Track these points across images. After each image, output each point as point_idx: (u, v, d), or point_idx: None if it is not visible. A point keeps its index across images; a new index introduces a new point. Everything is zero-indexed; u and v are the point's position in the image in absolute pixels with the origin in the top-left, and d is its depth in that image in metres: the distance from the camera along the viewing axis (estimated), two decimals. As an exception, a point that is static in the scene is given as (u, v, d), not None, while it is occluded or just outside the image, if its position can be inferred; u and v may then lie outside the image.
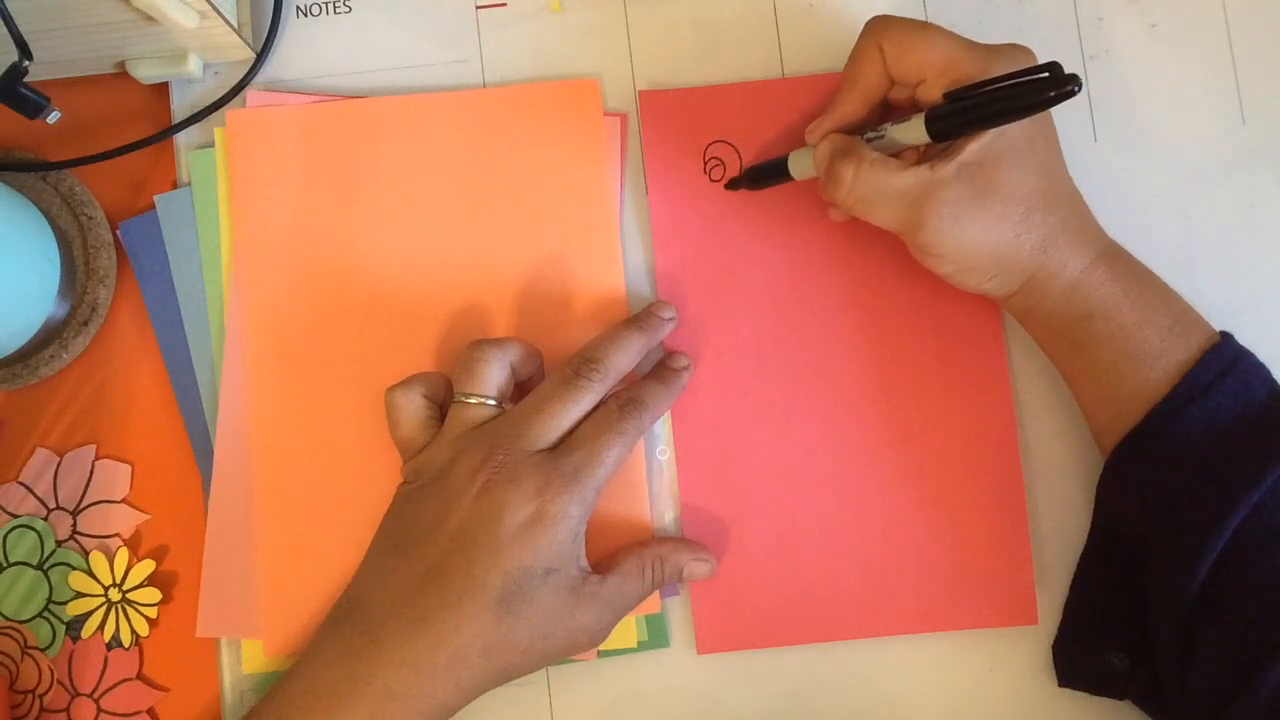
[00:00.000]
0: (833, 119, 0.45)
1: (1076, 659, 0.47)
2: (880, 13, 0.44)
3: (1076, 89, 0.38)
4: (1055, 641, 0.48)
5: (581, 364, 0.44)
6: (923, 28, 0.43)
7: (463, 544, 0.41)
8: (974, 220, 0.42)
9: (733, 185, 0.50)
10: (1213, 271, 0.49)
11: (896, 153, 0.43)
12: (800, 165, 0.46)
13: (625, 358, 0.45)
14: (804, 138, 0.46)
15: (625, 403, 0.45)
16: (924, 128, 0.41)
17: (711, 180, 0.50)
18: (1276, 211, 0.50)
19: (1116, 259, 0.44)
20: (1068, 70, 0.39)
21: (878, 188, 0.42)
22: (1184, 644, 0.41)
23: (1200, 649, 0.41)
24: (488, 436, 0.43)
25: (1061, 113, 0.50)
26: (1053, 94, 0.38)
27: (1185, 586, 0.41)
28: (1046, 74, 0.39)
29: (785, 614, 0.48)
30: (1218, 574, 0.40)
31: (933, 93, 0.42)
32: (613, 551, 0.46)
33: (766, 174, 0.48)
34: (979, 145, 0.41)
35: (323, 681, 0.41)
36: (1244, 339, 0.43)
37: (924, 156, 0.43)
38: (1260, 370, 0.43)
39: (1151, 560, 0.43)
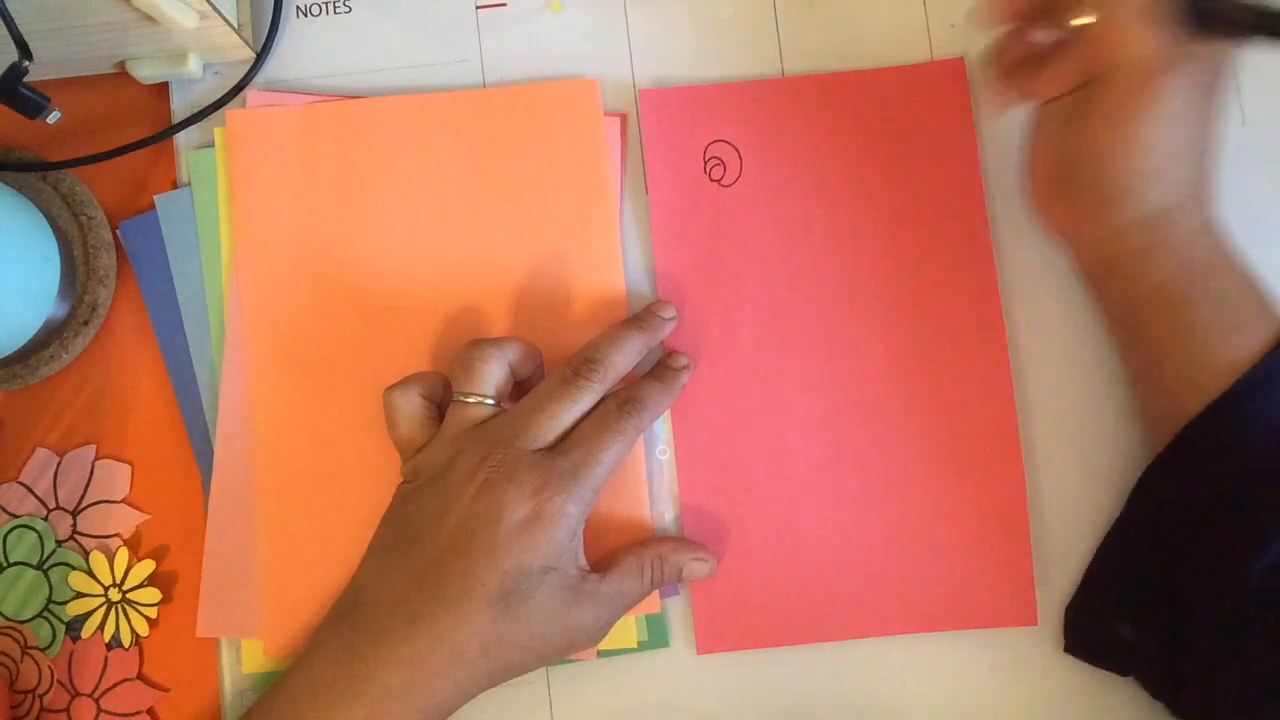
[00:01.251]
0: None
1: (1086, 626, 0.47)
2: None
3: None
4: (1069, 606, 0.47)
5: (581, 364, 0.44)
6: None
7: (461, 543, 0.41)
8: (1192, 111, 0.41)
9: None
10: (1213, 271, 0.49)
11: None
12: None
13: (625, 358, 0.45)
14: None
15: (624, 402, 0.45)
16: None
17: (711, 180, 0.50)
18: (1276, 211, 0.50)
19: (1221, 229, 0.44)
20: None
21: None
22: (1233, 633, 0.41)
23: (1252, 646, 0.40)
24: (486, 435, 0.43)
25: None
26: None
27: (1245, 575, 0.40)
28: None
29: (785, 614, 0.48)
30: None
31: None
32: (613, 551, 0.46)
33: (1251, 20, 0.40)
34: (1228, 51, 0.41)
35: (321, 680, 0.41)
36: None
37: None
38: None
39: (1202, 545, 0.42)
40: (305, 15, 0.51)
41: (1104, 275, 0.46)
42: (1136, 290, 0.44)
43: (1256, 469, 0.41)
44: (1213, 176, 0.43)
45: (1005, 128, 0.50)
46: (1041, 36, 0.44)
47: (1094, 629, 0.47)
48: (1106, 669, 0.47)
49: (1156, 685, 0.45)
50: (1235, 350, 0.42)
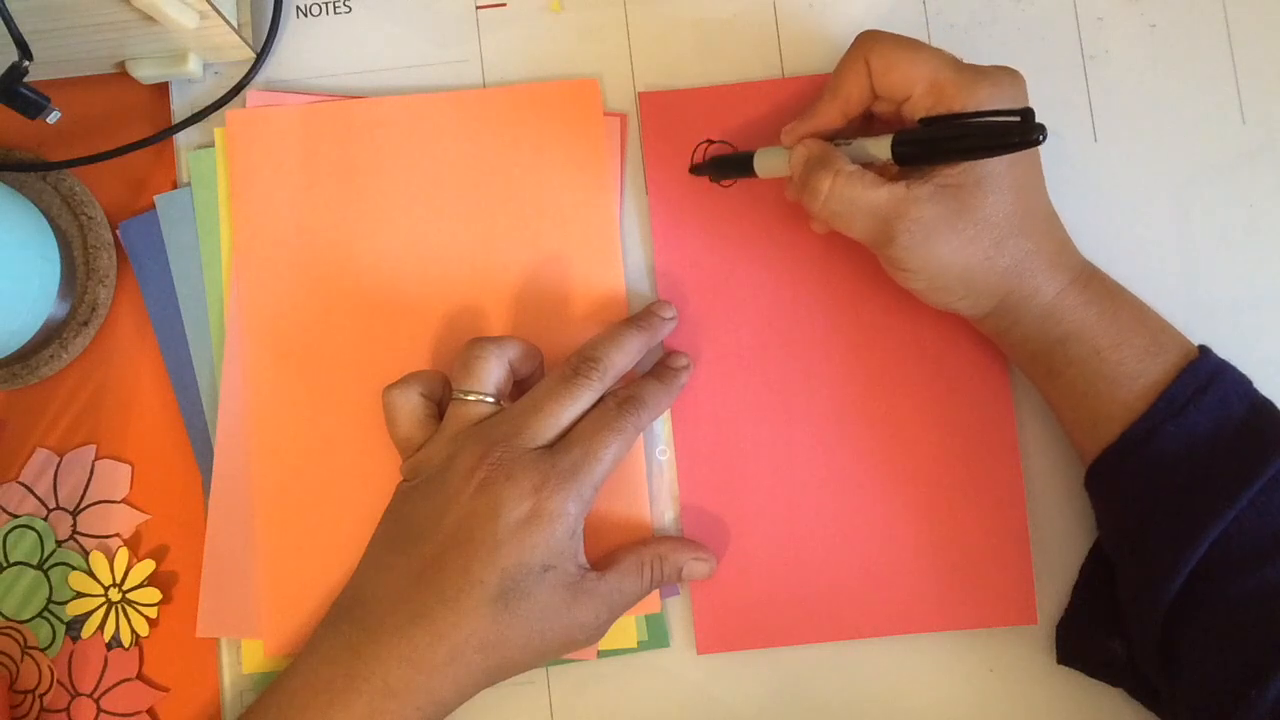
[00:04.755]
0: (810, 124, 0.45)
1: (1078, 642, 0.47)
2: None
3: (1040, 139, 0.38)
4: (1060, 623, 0.48)
5: (580, 362, 0.44)
6: (911, 46, 0.42)
7: (460, 541, 0.41)
8: (945, 241, 0.41)
9: (696, 170, 0.50)
10: (1213, 271, 0.49)
11: (872, 165, 0.43)
12: (766, 164, 0.46)
13: (624, 357, 0.45)
14: (779, 138, 0.46)
15: (623, 401, 0.45)
16: (890, 150, 0.41)
17: (711, 180, 0.50)
18: (1276, 211, 0.50)
19: (1091, 282, 0.44)
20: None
21: (852, 200, 0.42)
22: (1163, 657, 0.42)
23: (1184, 667, 0.41)
24: (485, 434, 0.43)
25: (1062, 113, 0.50)
26: (1015, 141, 0.38)
27: (1156, 602, 0.41)
28: (1018, 118, 0.38)
29: (785, 614, 0.48)
30: (1193, 591, 0.40)
31: (918, 110, 0.42)
32: (612, 550, 0.46)
33: (731, 166, 0.48)
34: (959, 167, 0.41)
35: (321, 678, 0.41)
36: (1244, 339, 0.43)
37: (902, 172, 0.43)
38: (1239, 385, 0.43)
39: (1124, 573, 0.44)
40: (305, 15, 0.51)
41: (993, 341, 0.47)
42: (1012, 359, 0.47)
43: (1155, 502, 0.42)
44: (1054, 249, 0.43)
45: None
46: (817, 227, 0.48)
47: (1085, 644, 0.47)
48: (1099, 679, 0.47)
49: (1149, 699, 0.45)
50: (1116, 402, 0.43)
